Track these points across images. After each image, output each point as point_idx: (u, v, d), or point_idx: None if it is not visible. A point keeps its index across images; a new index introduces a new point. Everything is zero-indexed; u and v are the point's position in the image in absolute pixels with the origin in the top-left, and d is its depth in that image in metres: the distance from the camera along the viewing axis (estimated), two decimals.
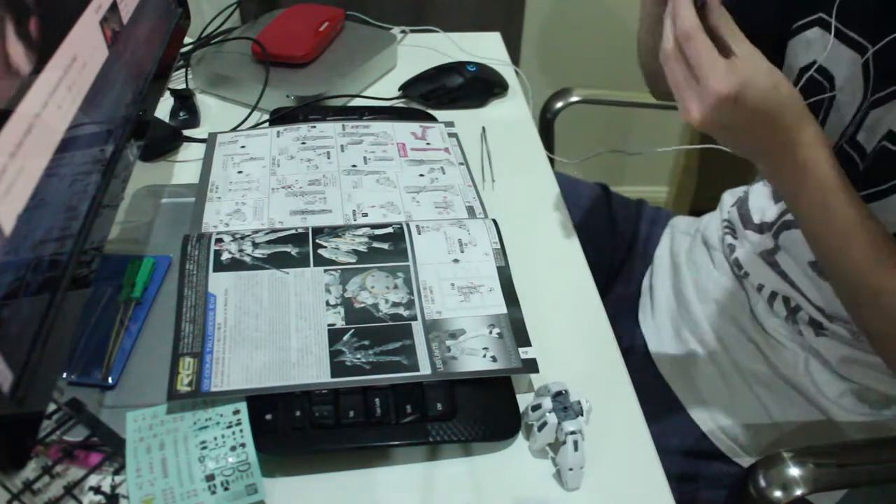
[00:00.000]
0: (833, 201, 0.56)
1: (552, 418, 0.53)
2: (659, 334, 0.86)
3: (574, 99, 1.10)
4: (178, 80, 0.95)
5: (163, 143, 0.84)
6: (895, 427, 0.73)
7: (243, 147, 0.79)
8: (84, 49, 0.51)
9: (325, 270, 0.62)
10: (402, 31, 1.09)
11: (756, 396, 0.75)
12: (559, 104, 1.09)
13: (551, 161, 0.87)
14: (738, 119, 0.53)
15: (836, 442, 0.71)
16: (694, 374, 0.79)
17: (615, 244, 0.99)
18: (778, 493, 0.58)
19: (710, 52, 0.51)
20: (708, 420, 0.77)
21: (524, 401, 0.57)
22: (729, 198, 0.89)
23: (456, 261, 0.64)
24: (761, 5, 0.73)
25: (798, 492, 0.58)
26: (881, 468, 0.64)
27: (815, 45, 0.69)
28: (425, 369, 0.56)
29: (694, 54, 0.52)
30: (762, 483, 0.59)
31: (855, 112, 0.65)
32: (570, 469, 0.52)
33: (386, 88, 0.97)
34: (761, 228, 0.79)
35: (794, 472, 0.59)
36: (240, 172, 0.75)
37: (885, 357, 0.63)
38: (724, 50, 0.52)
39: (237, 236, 0.64)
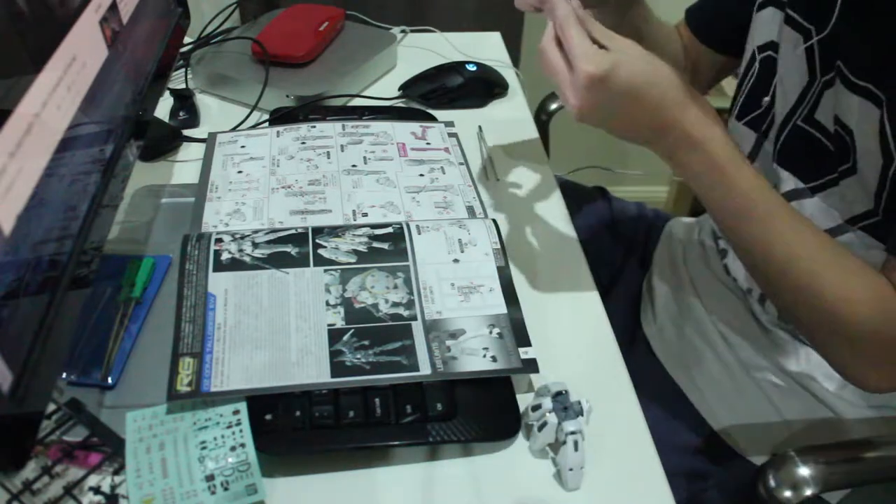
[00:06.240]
0: (728, 178, 0.57)
1: (552, 418, 0.53)
2: (661, 334, 0.86)
3: None
4: (177, 80, 0.95)
5: (162, 142, 0.84)
6: None
7: (243, 147, 0.79)
8: (83, 49, 0.51)
9: (325, 270, 0.62)
10: (402, 31, 1.09)
11: (763, 392, 0.75)
12: (554, 106, 1.08)
13: None
14: (611, 98, 0.54)
15: (845, 440, 0.70)
16: (700, 372, 0.79)
17: (615, 247, 0.99)
18: (788, 493, 0.58)
19: (583, 40, 0.54)
20: (717, 417, 0.77)
21: (524, 401, 0.57)
22: None
23: (456, 261, 0.64)
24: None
25: (808, 492, 0.58)
26: (891, 466, 0.63)
27: (770, 25, 0.71)
28: (425, 369, 0.56)
29: (567, 41, 0.54)
30: (772, 483, 0.58)
31: (801, 92, 0.67)
32: (570, 469, 0.52)
33: (386, 88, 0.97)
34: None
35: (804, 471, 0.59)
36: (240, 172, 0.75)
37: (808, 339, 0.63)
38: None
39: (237, 236, 0.64)
